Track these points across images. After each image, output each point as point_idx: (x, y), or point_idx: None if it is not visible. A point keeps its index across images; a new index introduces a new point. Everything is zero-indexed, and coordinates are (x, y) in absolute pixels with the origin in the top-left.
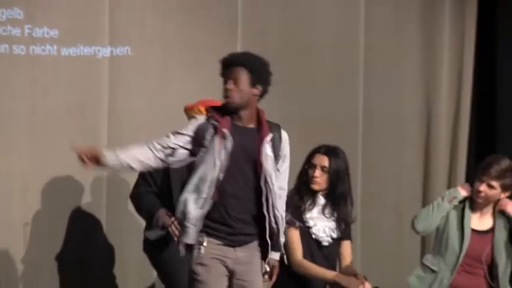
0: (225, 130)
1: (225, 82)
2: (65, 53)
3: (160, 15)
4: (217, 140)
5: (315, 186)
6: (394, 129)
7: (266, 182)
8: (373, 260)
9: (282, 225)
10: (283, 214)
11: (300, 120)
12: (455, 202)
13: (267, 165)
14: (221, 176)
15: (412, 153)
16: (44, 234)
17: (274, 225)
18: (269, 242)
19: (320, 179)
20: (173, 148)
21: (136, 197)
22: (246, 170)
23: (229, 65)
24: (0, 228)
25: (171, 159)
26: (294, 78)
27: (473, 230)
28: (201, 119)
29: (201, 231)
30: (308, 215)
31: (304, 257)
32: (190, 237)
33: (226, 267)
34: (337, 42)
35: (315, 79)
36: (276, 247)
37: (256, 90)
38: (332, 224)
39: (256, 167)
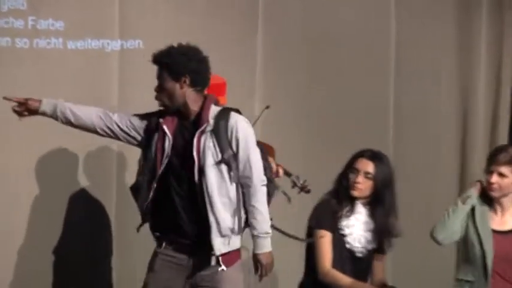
0: (165, 127)
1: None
2: (71, 47)
3: (173, 6)
4: (156, 139)
5: (355, 193)
6: (428, 129)
7: (201, 177)
8: (404, 273)
9: (256, 220)
10: (258, 206)
11: (323, 117)
12: (470, 202)
13: (202, 158)
14: (156, 177)
15: (446, 155)
16: (51, 234)
17: (220, 223)
18: (213, 244)
19: (362, 186)
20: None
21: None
22: (186, 168)
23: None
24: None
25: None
26: (317, 73)
27: (496, 231)
28: (150, 115)
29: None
30: (344, 223)
31: (334, 266)
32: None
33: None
34: (365, 34)
35: (340, 74)
36: (256, 244)
37: (183, 83)
38: (369, 235)
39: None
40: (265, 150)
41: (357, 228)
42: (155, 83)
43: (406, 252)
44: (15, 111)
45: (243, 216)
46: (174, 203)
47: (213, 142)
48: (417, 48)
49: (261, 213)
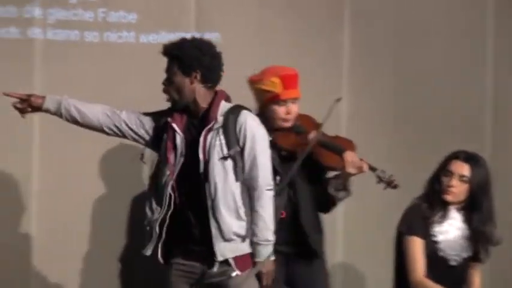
0: (174, 125)
1: None
2: (143, 40)
3: None
4: (167, 139)
5: (449, 197)
6: None
7: (206, 176)
8: (503, 284)
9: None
10: (261, 212)
11: (414, 117)
12: None
13: (207, 157)
14: (175, 171)
15: None
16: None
17: (221, 227)
18: (215, 249)
19: (456, 190)
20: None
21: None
22: (194, 166)
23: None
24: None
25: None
26: (408, 70)
27: None
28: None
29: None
30: (437, 229)
31: (426, 275)
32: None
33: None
34: (460, 27)
35: (432, 70)
36: (255, 252)
37: (194, 79)
38: (464, 242)
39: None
40: (342, 147)
41: (450, 234)
42: (234, 77)
43: (505, 262)
44: (16, 108)
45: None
46: (183, 206)
47: (220, 139)
48: None
49: (263, 219)
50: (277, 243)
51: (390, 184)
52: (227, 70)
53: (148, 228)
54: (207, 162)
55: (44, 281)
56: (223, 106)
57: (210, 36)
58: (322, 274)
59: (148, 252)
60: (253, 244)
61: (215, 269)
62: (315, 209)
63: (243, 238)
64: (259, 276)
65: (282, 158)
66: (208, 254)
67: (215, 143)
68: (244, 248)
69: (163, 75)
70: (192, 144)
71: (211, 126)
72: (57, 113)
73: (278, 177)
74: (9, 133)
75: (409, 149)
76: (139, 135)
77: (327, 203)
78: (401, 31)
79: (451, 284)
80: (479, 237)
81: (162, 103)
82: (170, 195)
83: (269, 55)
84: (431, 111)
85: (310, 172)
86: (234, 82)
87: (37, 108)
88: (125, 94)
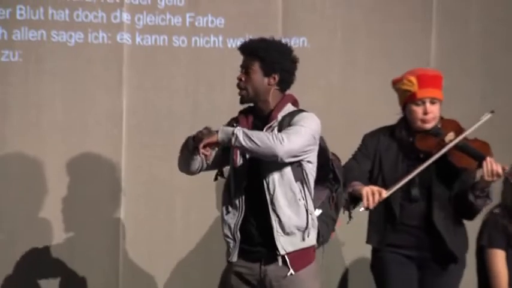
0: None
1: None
2: (231, 45)
3: (341, 1)
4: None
5: None
6: None
7: (264, 173)
8: None
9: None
10: (261, 136)
11: (503, 120)
12: None
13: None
14: (244, 181)
15: None
16: (210, 247)
17: (282, 220)
18: (277, 243)
19: None
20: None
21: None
22: (250, 167)
23: (243, 54)
24: (160, 237)
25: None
26: (497, 72)
27: None
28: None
29: None
30: None
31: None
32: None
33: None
34: None
35: None
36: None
37: (272, 80)
38: None
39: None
40: (481, 153)
41: None
42: (322, 82)
43: None
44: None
45: (313, 212)
46: (243, 206)
47: None
48: None
49: (256, 137)
50: (406, 248)
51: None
52: (314, 73)
53: (229, 234)
54: (261, 163)
55: None
56: (288, 108)
57: (297, 40)
58: (456, 279)
59: (234, 258)
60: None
61: (280, 264)
62: (453, 214)
63: (303, 231)
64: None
65: (419, 160)
66: (268, 254)
67: None
68: (305, 243)
69: None
70: None
71: (271, 125)
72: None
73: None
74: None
75: (499, 153)
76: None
77: (469, 211)
78: (490, 32)
79: None
80: None
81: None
82: (243, 196)
83: (355, 59)
84: None
85: (446, 176)
86: (321, 86)
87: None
88: (213, 99)
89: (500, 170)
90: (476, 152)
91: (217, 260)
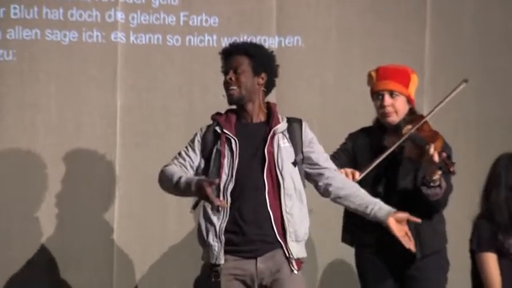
0: (228, 132)
1: (225, 74)
2: (226, 44)
3: (335, 1)
4: (221, 146)
5: None
6: None
7: (280, 174)
8: None
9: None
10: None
11: (497, 120)
12: None
13: (277, 158)
14: (231, 181)
15: None
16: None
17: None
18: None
19: None
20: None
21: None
22: (256, 169)
23: (229, 55)
24: (154, 236)
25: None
26: (496, 74)
27: None
28: (201, 129)
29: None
30: (509, 240)
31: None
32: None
33: (246, 285)
34: None
35: None
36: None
37: (261, 80)
38: None
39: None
40: (424, 141)
41: None
42: (317, 82)
43: None
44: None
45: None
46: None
47: (286, 143)
48: None
49: (358, 189)
50: (377, 247)
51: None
52: (308, 72)
53: (212, 236)
54: (277, 164)
55: None
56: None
57: (292, 39)
58: (436, 272)
59: (221, 261)
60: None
61: (285, 266)
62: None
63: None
64: None
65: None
66: (264, 253)
67: (283, 146)
68: (304, 251)
69: None
70: (248, 147)
71: (276, 129)
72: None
73: None
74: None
75: (493, 153)
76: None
77: (427, 203)
78: (484, 32)
79: None
80: None
81: None
82: (229, 199)
83: (350, 58)
84: None
85: (407, 171)
86: (316, 86)
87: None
88: (207, 98)
89: (436, 157)
90: (422, 140)
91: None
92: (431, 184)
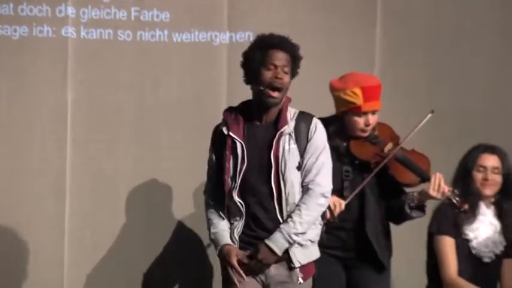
0: (234, 136)
1: (271, 68)
2: (177, 39)
3: None
4: (226, 149)
5: (488, 191)
6: None
7: (282, 179)
8: None
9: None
10: (306, 213)
11: (450, 117)
12: None
13: (282, 163)
14: (237, 184)
15: None
16: (152, 242)
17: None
18: (292, 255)
19: (493, 182)
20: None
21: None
22: (263, 174)
23: (274, 48)
24: (105, 231)
25: None
26: (444, 69)
27: None
28: (216, 129)
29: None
30: (468, 226)
31: (460, 274)
32: None
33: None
34: (502, 25)
35: (470, 70)
36: (275, 237)
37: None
38: (497, 238)
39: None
40: (425, 172)
41: (482, 231)
42: None
43: None
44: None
45: (321, 223)
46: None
47: (292, 145)
48: None
49: (305, 220)
50: (334, 249)
51: (460, 208)
52: None
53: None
54: (281, 167)
55: None
56: (290, 110)
57: (243, 35)
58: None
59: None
60: (278, 230)
61: (291, 273)
62: (383, 222)
63: (314, 243)
64: (252, 256)
65: (354, 166)
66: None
67: (289, 148)
68: (315, 254)
69: (196, 75)
70: (255, 150)
71: (283, 131)
72: None
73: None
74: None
75: (444, 144)
76: None
77: (400, 219)
78: (433, 27)
79: (485, 281)
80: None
81: (194, 102)
82: (240, 202)
83: (301, 53)
84: (465, 107)
85: (382, 185)
86: None
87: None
88: (158, 94)
89: (446, 190)
90: (419, 168)
91: (161, 254)
92: (417, 207)
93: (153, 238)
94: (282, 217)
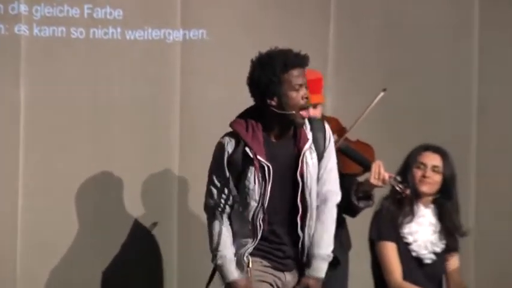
0: (262, 159)
1: (297, 88)
2: (130, 37)
3: None
4: (255, 173)
5: (425, 188)
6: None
7: (305, 198)
8: (489, 276)
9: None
10: (329, 225)
11: (402, 115)
12: None
13: (307, 179)
14: (261, 206)
15: None
16: (106, 240)
17: (307, 244)
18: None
19: (431, 180)
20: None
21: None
22: (288, 194)
23: (303, 67)
24: (66, 231)
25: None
26: (397, 68)
27: None
28: (227, 143)
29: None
30: (406, 230)
31: (404, 277)
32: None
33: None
34: (450, 25)
35: (422, 69)
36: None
37: None
38: (435, 238)
39: (296, 182)
40: (367, 160)
41: (421, 234)
42: (221, 75)
43: (489, 252)
44: None
45: None
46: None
47: (314, 158)
48: (503, 34)
49: (329, 234)
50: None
51: (403, 194)
52: (214, 67)
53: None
54: (306, 183)
55: None
56: None
57: (197, 32)
58: (340, 281)
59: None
60: (313, 257)
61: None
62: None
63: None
64: None
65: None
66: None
67: (312, 162)
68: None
69: (149, 72)
70: (279, 170)
71: (306, 146)
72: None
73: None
74: None
75: (396, 146)
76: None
77: (351, 210)
78: (388, 27)
79: (430, 282)
80: (452, 228)
81: (147, 99)
82: (261, 225)
83: (255, 51)
84: (418, 108)
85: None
86: (221, 79)
87: None
88: (112, 92)
89: (387, 177)
90: (361, 157)
91: (114, 251)
92: (364, 197)
93: (106, 236)
94: (303, 231)
